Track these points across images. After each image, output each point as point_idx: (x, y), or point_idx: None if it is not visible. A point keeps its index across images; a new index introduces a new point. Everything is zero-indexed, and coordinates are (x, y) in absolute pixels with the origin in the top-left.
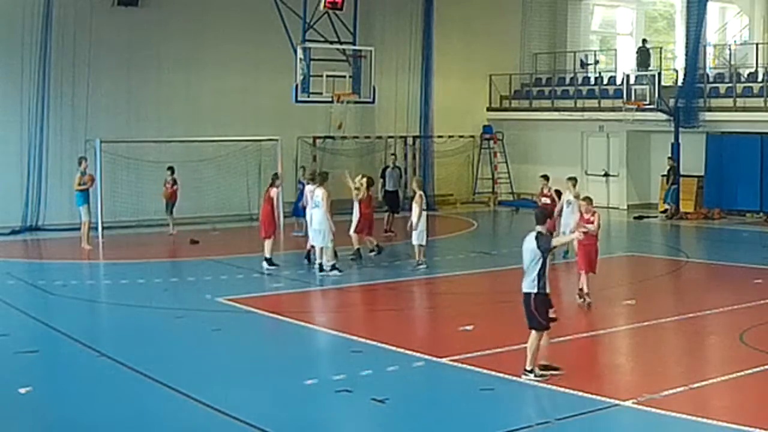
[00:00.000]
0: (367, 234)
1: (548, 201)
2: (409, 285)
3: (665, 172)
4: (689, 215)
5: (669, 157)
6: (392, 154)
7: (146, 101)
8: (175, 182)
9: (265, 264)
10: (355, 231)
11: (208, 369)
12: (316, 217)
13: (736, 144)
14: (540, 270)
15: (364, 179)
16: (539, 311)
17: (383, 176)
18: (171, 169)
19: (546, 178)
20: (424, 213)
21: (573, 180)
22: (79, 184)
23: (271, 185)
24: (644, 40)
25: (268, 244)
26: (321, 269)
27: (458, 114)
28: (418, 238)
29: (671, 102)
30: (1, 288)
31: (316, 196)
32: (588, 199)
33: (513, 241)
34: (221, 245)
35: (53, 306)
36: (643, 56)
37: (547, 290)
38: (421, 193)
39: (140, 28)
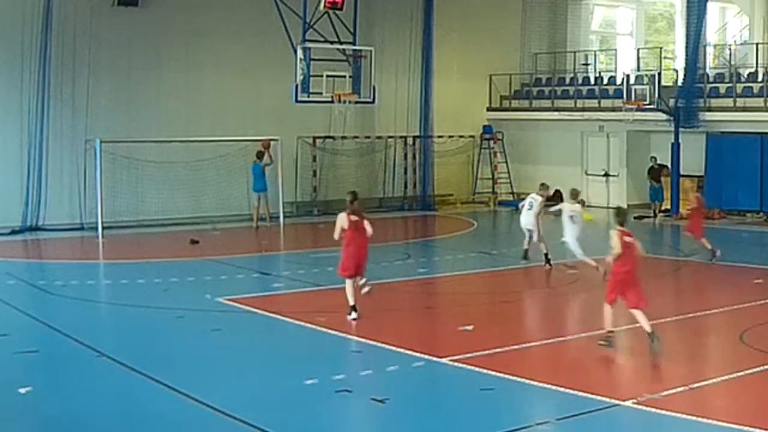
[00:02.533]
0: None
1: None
2: (409, 285)
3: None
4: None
5: (652, 157)
6: None
7: (146, 101)
8: None
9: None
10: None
11: (208, 369)
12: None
13: (736, 144)
14: None
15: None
16: None
17: None
18: None
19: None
20: None
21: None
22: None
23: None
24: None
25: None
26: None
27: (458, 114)
28: None
29: (671, 102)
30: (1, 288)
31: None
32: None
33: (513, 241)
34: (221, 245)
35: (53, 306)
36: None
37: None
38: None
39: (140, 28)
